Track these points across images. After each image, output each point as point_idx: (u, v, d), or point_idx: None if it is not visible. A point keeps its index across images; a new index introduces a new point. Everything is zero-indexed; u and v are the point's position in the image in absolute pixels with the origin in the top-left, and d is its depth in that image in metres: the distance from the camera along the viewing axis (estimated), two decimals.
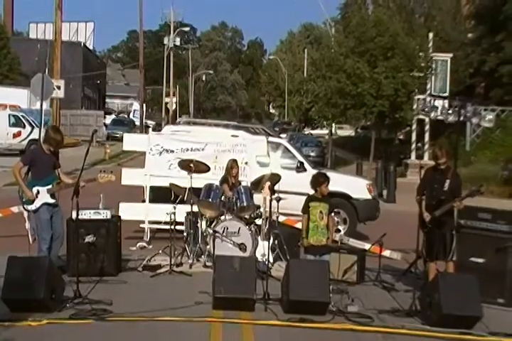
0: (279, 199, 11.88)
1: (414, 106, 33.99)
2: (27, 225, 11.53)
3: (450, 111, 33.60)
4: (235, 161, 12.75)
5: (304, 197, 10.71)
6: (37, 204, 10.52)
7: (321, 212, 10.37)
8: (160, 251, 12.13)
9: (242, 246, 11.55)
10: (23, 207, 10.81)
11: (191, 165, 12.08)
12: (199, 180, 12.44)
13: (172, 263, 11.22)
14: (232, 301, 8.99)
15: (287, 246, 12.02)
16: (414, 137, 36.32)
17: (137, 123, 60.85)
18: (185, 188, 12.16)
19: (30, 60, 58.37)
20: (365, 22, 32.92)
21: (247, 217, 12.10)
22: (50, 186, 10.54)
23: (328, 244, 10.47)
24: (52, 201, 10.60)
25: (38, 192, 10.50)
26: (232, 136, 14.98)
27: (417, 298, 9.36)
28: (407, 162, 35.30)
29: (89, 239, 10.76)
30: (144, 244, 13.48)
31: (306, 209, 10.49)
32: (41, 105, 25.90)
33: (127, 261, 11.80)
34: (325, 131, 55.78)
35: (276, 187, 12.17)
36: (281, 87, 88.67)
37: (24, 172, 10.70)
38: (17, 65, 55.41)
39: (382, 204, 17.83)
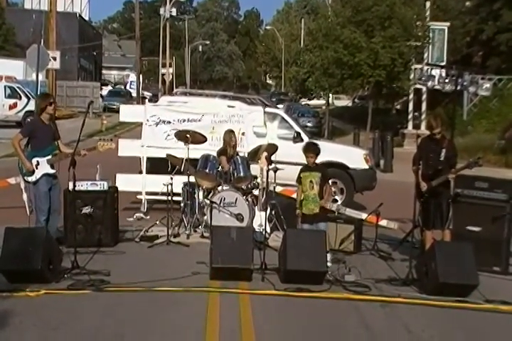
0: (276, 170, 11.89)
1: (411, 76, 33.81)
2: (24, 196, 11.51)
3: (447, 80, 33.29)
4: (232, 132, 12.70)
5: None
6: (37, 175, 10.50)
7: (311, 181, 10.29)
8: (157, 222, 12.18)
9: (239, 217, 11.56)
10: (24, 179, 10.78)
11: (188, 135, 12.04)
12: (196, 151, 12.43)
13: (169, 233, 11.22)
14: (230, 271, 9.02)
15: (284, 216, 12.06)
16: (411, 107, 36.20)
17: (134, 94, 60.62)
18: (182, 159, 12.13)
19: (25, 30, 57.88)
20: None
21: (244, 187, 12.08)
22: (49, 156, 10.51)
23: (320, 213, 10.40)
24: (52, 171, 10.58)
25: (38, 163, 10.48)
26: (229, 106, 14.90)
27: (413, 266, 9.40)
28: (404, 132, 35.28)
29: (86, 210, 10.79)
30: (141, 215, 13.49)
31: (299, 179, 10.48)
32: (37, 76, 25.78)
33: (125, 232, 11.84)
34: (322, 102, 55.55)
35: (273, 158, 12.15)
36: (278, 57, 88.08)
37: (24, 144, 10.66)
38: (12, 35, 54.96)
39: (379, 174, 17.82)
